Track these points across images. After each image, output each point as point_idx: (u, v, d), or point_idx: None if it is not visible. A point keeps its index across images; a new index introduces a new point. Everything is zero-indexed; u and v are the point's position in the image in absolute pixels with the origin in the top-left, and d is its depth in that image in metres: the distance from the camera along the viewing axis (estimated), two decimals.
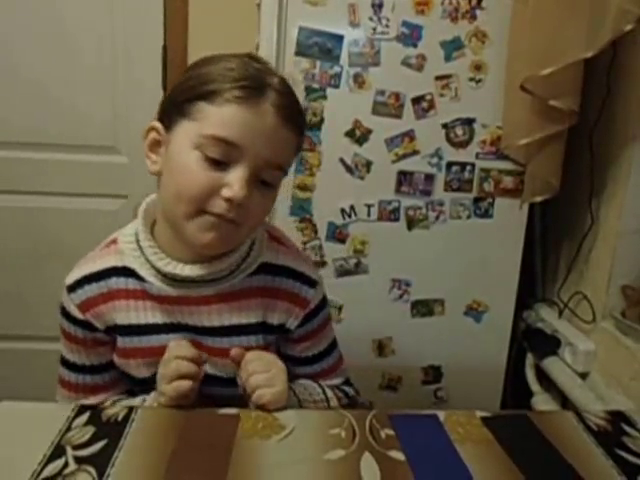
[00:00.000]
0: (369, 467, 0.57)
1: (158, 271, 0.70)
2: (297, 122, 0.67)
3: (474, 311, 1.45)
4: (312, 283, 0.77)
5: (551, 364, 1.44)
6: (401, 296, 1.41)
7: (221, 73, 0.63)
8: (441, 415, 0.67)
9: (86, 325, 0.72)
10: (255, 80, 0.63)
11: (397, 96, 1.31)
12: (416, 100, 1.32)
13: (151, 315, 0.72)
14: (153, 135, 0.68)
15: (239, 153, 0.62)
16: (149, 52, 1.64)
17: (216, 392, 0.75)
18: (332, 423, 0.65)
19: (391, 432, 0.64)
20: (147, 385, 0.74)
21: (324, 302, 0.80)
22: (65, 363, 0.76)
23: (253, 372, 0.68)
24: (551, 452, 0.62)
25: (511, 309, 1.47)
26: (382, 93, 1.31)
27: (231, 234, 0.66)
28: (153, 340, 0.72)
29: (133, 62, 1.65)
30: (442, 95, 1.33)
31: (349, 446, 0.61)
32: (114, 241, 0.75)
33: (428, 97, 1.33)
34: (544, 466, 0.60)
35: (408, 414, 0.68)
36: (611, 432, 0.67)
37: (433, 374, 1.48)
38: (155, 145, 0.68)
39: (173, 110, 0.65)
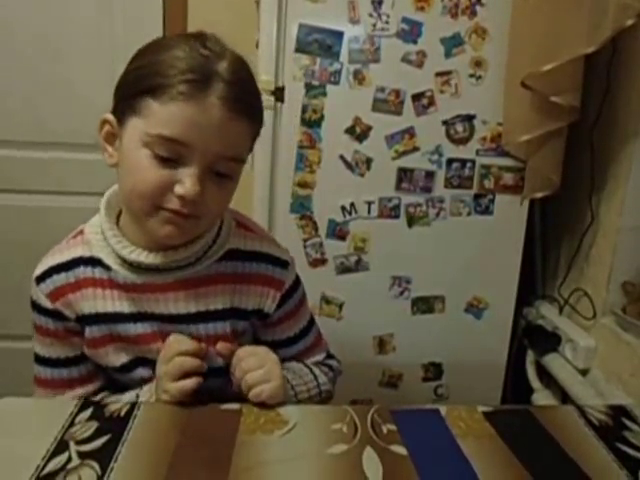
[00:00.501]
0: (371, 461, 0.57)
1: (124, 260, 0.70)
2: (248, 111, 0.64)
3: (474, 308, 1.44)
4: (283, 264, 0.77)
5: (551, 360, 1.43)
6: (401, 293, 1.41)
7: (168, 64, 0.60)
8: (443, 410, 0.67)
9: (56, 315, 0.71)
10: (201, 71, 0.60)
11: (397, 93, 1.31)
12: (416, 97, 1.32)
13: (118, 304, 0.71)
14: (107, 128, 0.69)
15: (188, 150, 0.61)
16: None
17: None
18: (334, 418, 0.65)
19: (393, 427, 0.64)
20: (122, 373, 0.74)
21: (298, 281, 0.80)
22: (39, 360, 0.75)
23: (248, 369, 0.68)
24: (553, 447, 0.62)
25: (511, 306, 1.46)
26: (382, 90, 1.30)
27: (190, 227, 0.66)
28: (120, 328, 0.72)
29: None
30: (442, 92, 1.32)
31: (351, 441, 0.61)
32: (81, 232, 0.75)
33: (428, 94, 1.32)
34: (546, 461, 0.60)
35: (410, 409, 0.68)
36: (612, 426, 0.67)
37: (434, 371, 1.47)
38: (110, 137, 0.68)
39: (123, 104, 0.65)
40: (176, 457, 0.57)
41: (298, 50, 1.27)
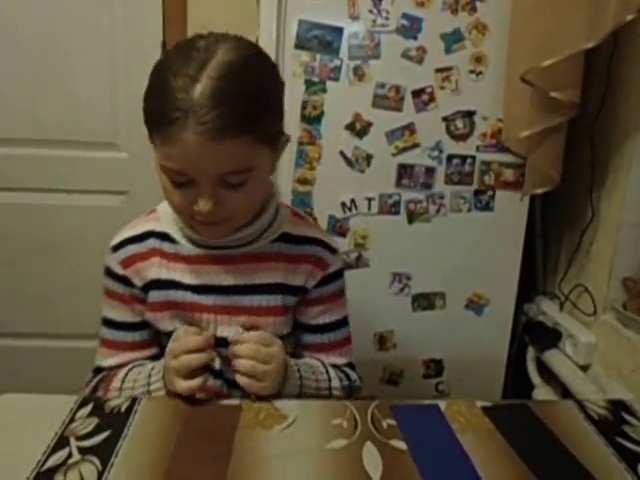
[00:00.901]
0: (371, 456, 0.57)
1: (189, 237, 0.77)
2: (234, 129, 0.62)
3: (475, 304, 1.44)
4: (333, 250, 0.83)
5: (552, 357, 1.43)
6: (402, 290, 1.40)
7: (152, 104, 0.64)
8: (442, 405, 0.67)
9: (125, 281, 0.79)
10: (174, 111, 0.61)
11: (397, 89, 1.30)
12: (416, 93, 1.31)
13: (180, 274, 0.78)
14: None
15: (191, 176, 0.65)
16: (148, 49, 1.63)
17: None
18: (334, 413, 0.65)
19: (393, 422, 0.64)
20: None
21: (341, 273, 0.85)
22: (105, 322, 0.82)
23: (252, 357, 0.70)
24: (552, 441, 0.62)
25: (512, 302, 1.45)
26: (382, 86, 1.30)
27: (226, 226, 0.72)
28: (178, 296, 0.78)
29: (132, 59, 1.63)
30: (442, 88, 1.32)
31: (351, 436, 0.61)
32: (154, 210, 0.83)
33: (428, 90, 1.31)
34: (545, 455, 0.60)
35: (409, 404, 0.68)
36: (612, 421, 0.67)
37: (434, 367, 1.47)
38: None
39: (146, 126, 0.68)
40: (176, 452, 0.57)
41: (298, 46, 1.26)
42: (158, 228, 0.79)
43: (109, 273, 0.81)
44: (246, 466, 0.55)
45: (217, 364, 0.78)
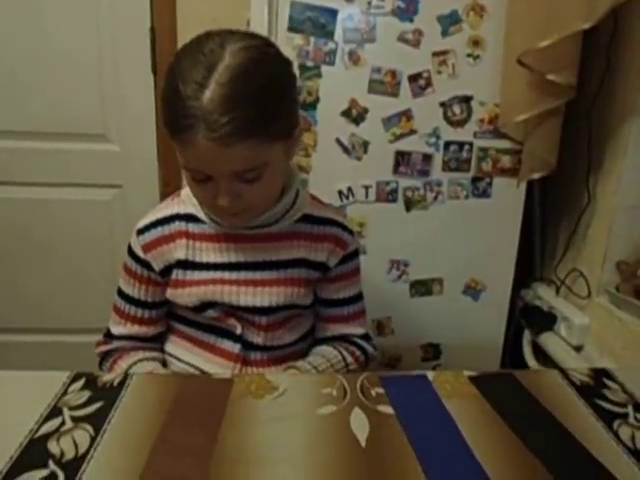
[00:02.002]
0: (359, 420, 0.59)
1: (214, 219, 0.79)
2: (243, 132, 0.62)
3: (472, 290, 1.41)
4: (350, 232, 0.87)
5: (547, 339, 1.42)
6: (400, 276, 1.37)
7: (166, 108, 0.65)
8: (430, 375, 0.69)
9: (145, 264, 0.81)
10: (184, 117, 0.62)
11: (393, 73, 1.25)
12: (413, 78, 1.26)
13: (205, 254, 0.80)
14: None
15: (210, 175, 0.67)
16: (136, 35, 1.54)
17: (259, 321, 0.82)
18: (324, 384, 0.67)
19: (381, 390, 0.65)
20: (195, 313, 0.81)
21: (358, 253, 0.90)
22: (120, 293, 0.86)
23: None
24: (534, 404, 0.64)
25: (509, 287, 1.43)
26: (378, 70, 1.25)
27: (247, 215, 0.74)
28: (203, 275, 0.80)
29: (120, 47, 1.54)
30: (439, 72, 1.27)
31: (340, 403, 0.62)
32: (178, 194, 0.85)
33: (425, 74, 1.27)
34: (527, 417, 0.61)
35: (398, 374, 0.71)
36: (592, 386, 0.68)
37: (432, 352, 1.45)
38: None
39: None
40: (168, 420, 0.58)
41: (291, 29, 1.21)
42: (183, 210, 0.81)
43: (131, 253, 0.83)
44: (237, 430, 0.57)
45: (238, 329, 0.82)
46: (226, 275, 0.80)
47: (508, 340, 1.50)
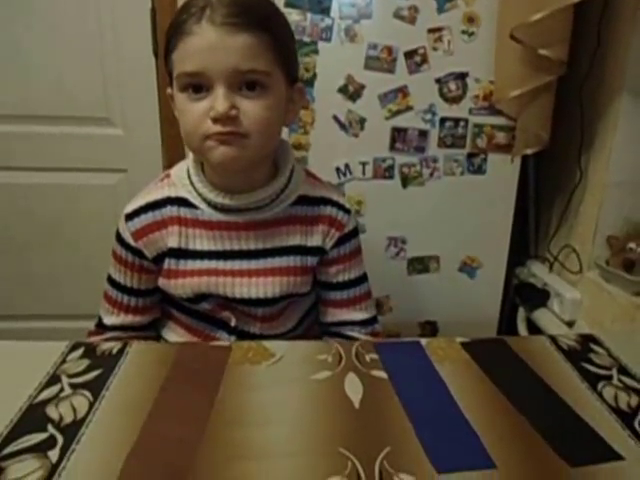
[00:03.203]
0: (353, 384, 0.60)
1: (207, 201, 0.74)
2: (246, 23, 0.62)
3: (468, 267, 1.40)
4: (347, 210, 0.81)
5: (540, 315, 1.42)
6: (398, 254, 1.36)
7: (177, 14, 0.65)
8: (423, 341, 0.69)
9: (136, 252, 0.76)
10: (193, 7, 0.63)
11: (389, 50, 1.23)
12: (409, 54, 1.24)
13: (199, 242, 0.75)
14: (169, 91, 0.72)
15: (208, 77, 0.63)
16: (137, 16, 1.49)
17: (255, 312, 0.79)
18: (320, 350, 0.66)
19: (375, 356, 0.66)
20: (189, 303, 0.77)
21: (356, 232, 0.84)
22: (110, 280, 0.80)
23: None
24: (522, 367, 0.65)
25: (504, 264, 1.42)
26: (374, 47, 1.22)
27: (241, 146, 0.66)
28: (197, 264, 0.75)
29: (120, 28, 1.48)
30: (435, 49, 1.24)
31: (335, 368, 0.63)
32: (167, 175, 0.79)
33: (421, 51, 1.24)
34: (513, 377, 0.62)
35: (392, 341, 0.72)
36: (580, 350, 0.69)
37: (430, 329, 1.44)
38: (171, 98, 0.72)
39: (166, 67, 0.69)
40: (166, 385, 0.58)
41: (288, 4, 1.18)
42: (174, 194, 0.75)
43: (120, 240, 0.76)
44: (235, 395, 0.57)
45: (233, 322, 0.79)
46: (220, 265, 0.75)
47: (503, 317, 1.50)
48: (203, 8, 0.62)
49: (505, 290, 1.45)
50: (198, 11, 0.62)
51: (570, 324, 1.34)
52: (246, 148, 0.66)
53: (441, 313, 1.43)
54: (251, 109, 0.64)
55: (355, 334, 0.84)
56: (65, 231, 1.65)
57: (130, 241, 0.75)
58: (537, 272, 1.47)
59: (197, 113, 0.64)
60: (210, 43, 0.61)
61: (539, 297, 1.43)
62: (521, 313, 1.50)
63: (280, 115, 0.69)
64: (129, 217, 0.75)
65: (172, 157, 1.57)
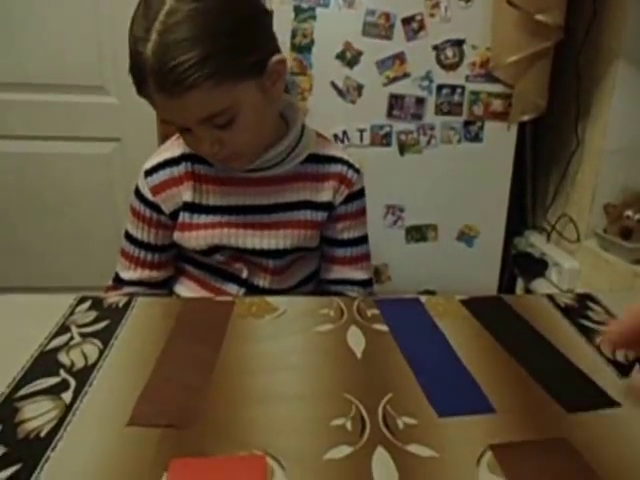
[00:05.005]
0: (355, 336, 0.60)
1: None
2: (192, 81, 0.58)
3: (466, 236, 1.40)
4: (356, 170, 0.82)
5: (538, 285, 1.43)
6: (395, 222, 1.36)
7: (129, 64, 0.62)
8: (422, 298, 0.70)
9: (154, 207, 0.77)
10: (135, 71, 0.61)
11: (387, 16, 1.21)
12: (406, 21, 1.23)
13: (212, 197, 0.76)
14: None
15: (180, 124, 0.66)
16: None
17: (266, 264, 0.79)
18: (322, 305, 0.67)
19: (376, 311, 0.66)
20: (202, 256, 0.78)
21: (364, 193, 0.85)
22: (128, 236, 0.81)
23: None
24: (521, 322, 0.65)
25: (501, 233, 1.42)
26: (372, 13, 1.21)
27: (239, 160, 0.70)
28: (210, 218, 0.76)
29: None
30: (432, 15, 1.23)
31: (337, 322, 0.63)
32: None
33: (418, 17, 1.23)
34: (512, 330, 0.63)
35: (392, 298, 0.71)
36: (577, 308, 0.69)
37: None
38: None
39: None
40: (173, 335, 0.59)
41: None
42: (189, 151, 0.76)
43: (139, 195, 0.78)
44: (239, 345, 0.58)
45: (244, 273, 0.79)
46: (233, 219, 0.76)
47: (502, 288, 1.50)
48: (142, 77, 0.60)
49: (503, 260, 1.46)
50: (142, 81, 0.60)
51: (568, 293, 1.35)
52: (246, 158, 0.71)
53: (439, 282, 1.43)
54: (232, 137, 0.65)
55: (354, 294, 0.85)
56: (59, 199, 1.63)
57: (149, 196, 0.76)
58: (535, 242, 1.47)
59: (187, 140, 0.69)
60: (167, 106, 0.62)
61: (537, 267, 1.43)
62: (520, 284, 1.51)
63: (263, 109, 0.68)
64: (148, 173, 0.76)
65: (168, 126, 1.55)
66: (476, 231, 1.41)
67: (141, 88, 0.61)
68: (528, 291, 1.48)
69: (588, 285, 1.30)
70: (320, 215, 0.80)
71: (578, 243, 1.34)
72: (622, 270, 1.20)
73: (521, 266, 1.49)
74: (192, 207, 0.76)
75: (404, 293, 1.41)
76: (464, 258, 1.42)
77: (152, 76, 0.58)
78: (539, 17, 1.16)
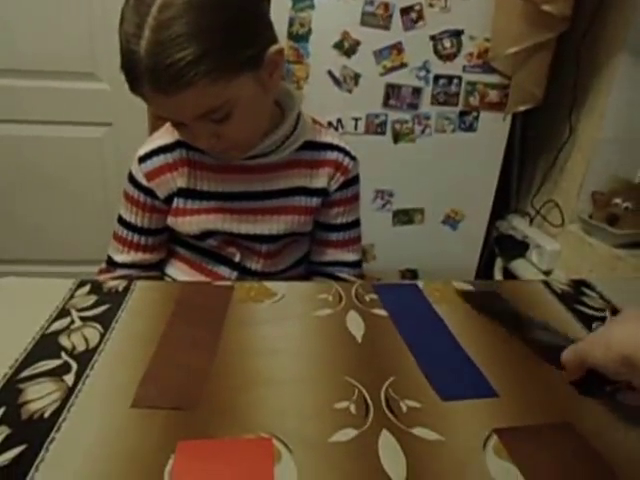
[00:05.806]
0: (354, 321, 0.61)
1: None
2: (188, 78, 0.56)
3: (451, 220, 1.43)
4: (352, 157, 0.82)
5: (518, 265, 1.46)
6: (384, 205, 1.38)
7: (121, 63, 0.61)
8: (420, 284, 0.71)
9: (149, 192, 0.76)
10: (128, 69, 0.59)
11: (386, 6, 1.21)
12: (405, 10, 1.22)
13: (206, 184, 0.76)
14: None
15: (177, 120, 0.65)
16: None
17: (259, 249, 0.80)
18: (320, 290, 0.67)
19: (375, 296, 0.66)
20: (195, 240, 0.79)
21: (358, 179, 0.85)
22: (121, 221, 0.81)
23: None
24: (516, 306, 0.66)
25: (486, 218, 1.45)
26: (371, 3, 1.20)
27: (236, 152, 0.70)
28: (204, 204, 0.77)
29: None
30: (431, 5, 1.22)
31: (336, 307, 0.64)
32: None
33: (417, 7, 1.22)
34: (509, 315, 0.63)
35: (390, 283, 0.72)
36: (573, 294, 0.70)
37: (410, 276, 1.49)
38: None
39: None
40: (173, 320, 0.59)
41: None
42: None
43: (132, 181, 0.77)
44: (240, 328, 0.58)
45: (237, 257, 0.80)
46: (227, 204, 0.76)
47: (481, 266, 1.54)
48: (136, 75, 0.58)
49: (485, 242, 1.50)
50: (136, 79, 0.58)
51: (547, 273, 1.37)
52: (243, 149, 0.71)
53: (422, 261, 1.48)
54: (229, 130, 0.65)
55: (344, 275, 0.87)
56: (52, 182, 1.66)
57: (142, 181, 0.76)
58: (517, 225, 1.50)
59: (183, 135, 0.69)
60: (162, 103, 0.61)
61: (518, 248, 1.47)
62: (498, 263, 1.55)
63: (261, 100, 0.67)
64: (142, 159, 0.76)
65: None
66: (462, 215, 1.44)
67: (134, 86, 0.60)
68: (506, 270, 1.52)
69: (568, 267, 1.33)
70: (314, 201, 0.80)
71: (561, 227, 1.36)
72: (604, 253, 1.22)
73: (502, 247, 1.52)
74: (187, 193, 0.76)
75: (387, 271, 1.44)
76: (447, 240, 1.46)
77: (146, 75, 0.57)
78: (546, 7, 1.15)
